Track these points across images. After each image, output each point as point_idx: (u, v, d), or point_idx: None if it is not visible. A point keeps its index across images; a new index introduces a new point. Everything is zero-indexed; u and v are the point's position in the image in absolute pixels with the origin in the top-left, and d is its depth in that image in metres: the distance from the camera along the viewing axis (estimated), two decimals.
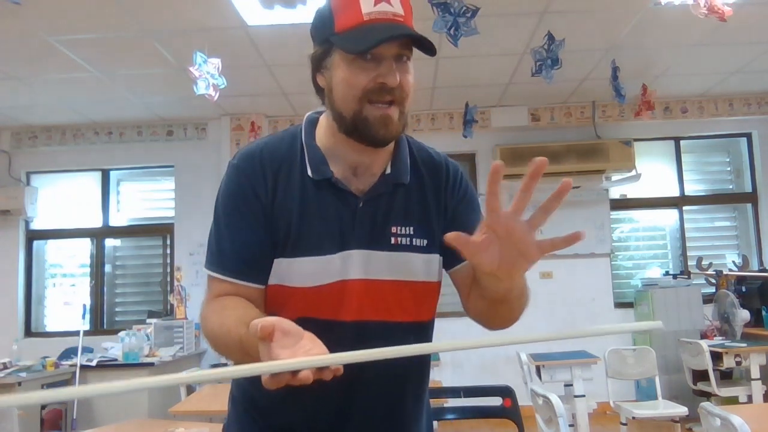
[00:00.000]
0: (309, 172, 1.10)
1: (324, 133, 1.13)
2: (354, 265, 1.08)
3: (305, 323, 0.97)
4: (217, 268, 1.09)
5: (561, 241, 0.85)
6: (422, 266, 1.12)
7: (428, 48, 1.03)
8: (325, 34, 1.06)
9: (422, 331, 1.15)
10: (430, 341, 1.16)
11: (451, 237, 0.86)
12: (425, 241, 1.13)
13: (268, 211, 1.09)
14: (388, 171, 1.13)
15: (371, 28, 1.00)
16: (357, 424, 1.11)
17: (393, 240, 1.11)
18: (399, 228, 1.11)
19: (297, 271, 1.08)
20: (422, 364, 1.20)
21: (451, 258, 1.15)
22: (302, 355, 0.79)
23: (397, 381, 1.13)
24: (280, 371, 0.75)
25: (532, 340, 0.77)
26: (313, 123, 1.16)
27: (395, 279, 1.10)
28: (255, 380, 1.07)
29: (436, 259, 1.14)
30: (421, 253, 1.12)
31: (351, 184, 1.11)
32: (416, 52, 1.07)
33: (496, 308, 1.06)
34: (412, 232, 1.12)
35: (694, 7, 3.24)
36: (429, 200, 1.15)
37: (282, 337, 0.80)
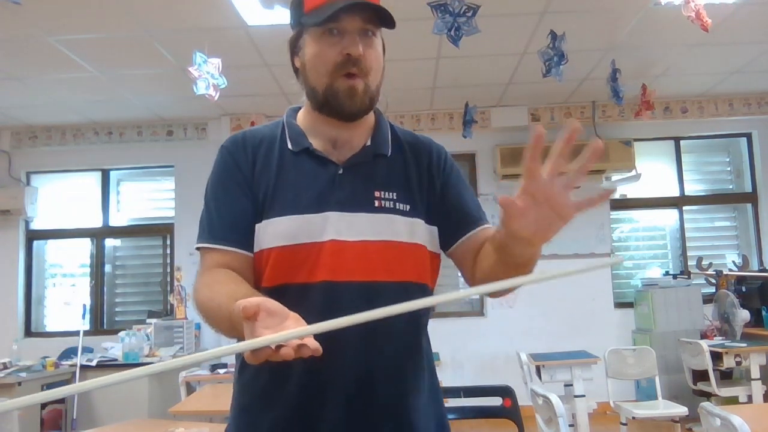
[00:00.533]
0: (288, 145, 1.16)
1: (303, 114, 1.21)
2: (335, 226, 1.09)
3: (285, 292, 1.03)
4: (205, 239, 1.13)
5: (597, 198, 0.89)
6: (406, 228, 1.13)
7: (389, 21, 1.10)
8: (297, 17, 1.16)
9: (411, 293, 1.08)
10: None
11: (503, 199, 0.89)
12: (408, 206, 1.15)
13: (249, 181, 1.14)
14: (368, 144, 1.18)
15: (333, 4, 1.07)
16: (356, 409, 1.08)
17: (377, 203, 1.12)
18: (382, 193, 1.14)
19: (273, 231, 1.09)
20: (412, 329, 1.16)
21: (449, 236, 1.19)
22: None
23: (384, 343, 1.10)
24: (259, 347, 0.75)
25: (514, 284, 0.82)
26: (295, 109, 1.24)
27: (379, 239, 1.10)
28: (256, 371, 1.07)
29: (420, 223, 1.16)
30: (405, 216, 1.14)
31: (331, 155, 1.15)
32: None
33: (515, 273, 1.03)
34: (395, 197, 1.14)
35: (684, 8, 3.25)
36: (411, 173, 1.18)
37: (266, 317, 0.80)
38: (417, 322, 1.16)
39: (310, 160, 1.14)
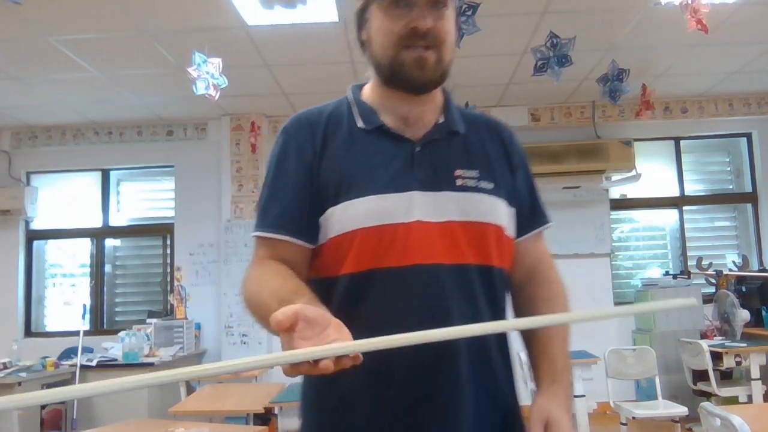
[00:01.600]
0: (359, 123, 1.10)
1: (370, 90, 1.15)
2: (418, 206, 1.03)
3: (374, 277, 1.00)
4: (258, 228, 1.09)
5: None
6: (490, 208, 1.08)
7: None
8: None
9: (495, 278, 1.08)
10: (501, 292, 1.10)
11: None
12: (491, 185, 1.09)
13: (315, 166, 1.07)
14: (441, 120, 1.12)
15: None
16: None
17: (459, 182, 1.06)
18: (463, 171, 1.08)
19: (355, 213, 1.02)
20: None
21: (516, 227, 1.15)
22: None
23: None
24: (296, 361, 0.71)
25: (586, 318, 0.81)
26: (359, 86, 1.18)
27: (464, 220, 1.04)
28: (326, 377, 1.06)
29: (502, 204, 1.10)
30: (489, 195, 1.08)
31: (404, 132, 1.09)
32: None
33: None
34: (477, 175, 1.08)
35: (683, 8, 3.24)
36: (489, 150, 1.14)
37: (305, 327, 0.75)
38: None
39: (384, 138, 1.08)
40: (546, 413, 1.03)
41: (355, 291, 0.93)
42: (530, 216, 1.18)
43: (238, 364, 0.69)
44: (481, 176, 1.08)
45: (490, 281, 1.06)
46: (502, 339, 1.11)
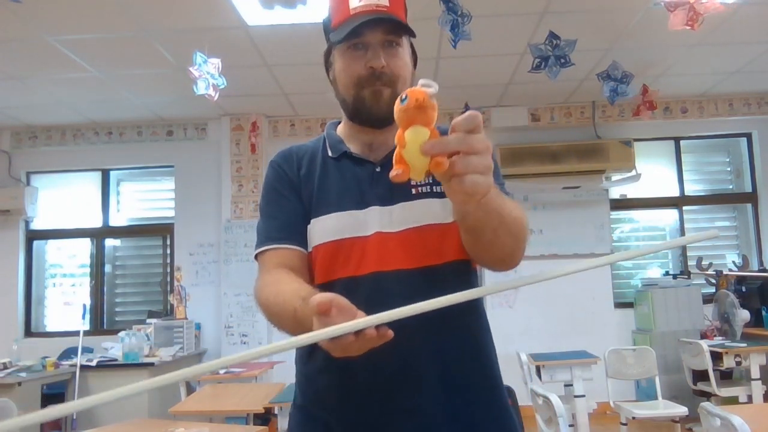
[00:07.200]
0: (329, 153, 1.25)
1: (342, 124, 1.29)
2: (376, 220, 1.14)
3: (335, 286, 1.09)
4: (264, 243, 1.19)
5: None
6: (443, 209, 1.15)
7: (408, 30, 1.16)
8: (327, 33, 1.22)
9: (459, 272, 1.15)
10: (472, 281, 1.18)
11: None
12: (440, 187, 1.15)
13: (297, 185, 1.22)
14: None
15: (355, 18, 1.13)
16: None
17: (413, 191, 1.17)
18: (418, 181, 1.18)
19: (321, 229, 1.16)
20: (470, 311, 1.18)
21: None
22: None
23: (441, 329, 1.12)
24: (338, 335, 0.78)
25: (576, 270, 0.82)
26: (335, 123, 1.32)
27: (420, 225, 1.14)
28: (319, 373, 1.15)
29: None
30: (441, 198, 1.16)
31: (368, 156, 1.22)
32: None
33: (471, 238, 1.02)
34: (430, 181, 1.17)
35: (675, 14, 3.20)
36: None
37: (337, 313, 0.82)
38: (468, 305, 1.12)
39: (350, 163, 1.21)
40: None
41: None
42: None
43: (290, 342, 0.79)
44: (434, 182, 1.17)
45: (455, 276, 1.13)
46: (474, 343, 1.16)
